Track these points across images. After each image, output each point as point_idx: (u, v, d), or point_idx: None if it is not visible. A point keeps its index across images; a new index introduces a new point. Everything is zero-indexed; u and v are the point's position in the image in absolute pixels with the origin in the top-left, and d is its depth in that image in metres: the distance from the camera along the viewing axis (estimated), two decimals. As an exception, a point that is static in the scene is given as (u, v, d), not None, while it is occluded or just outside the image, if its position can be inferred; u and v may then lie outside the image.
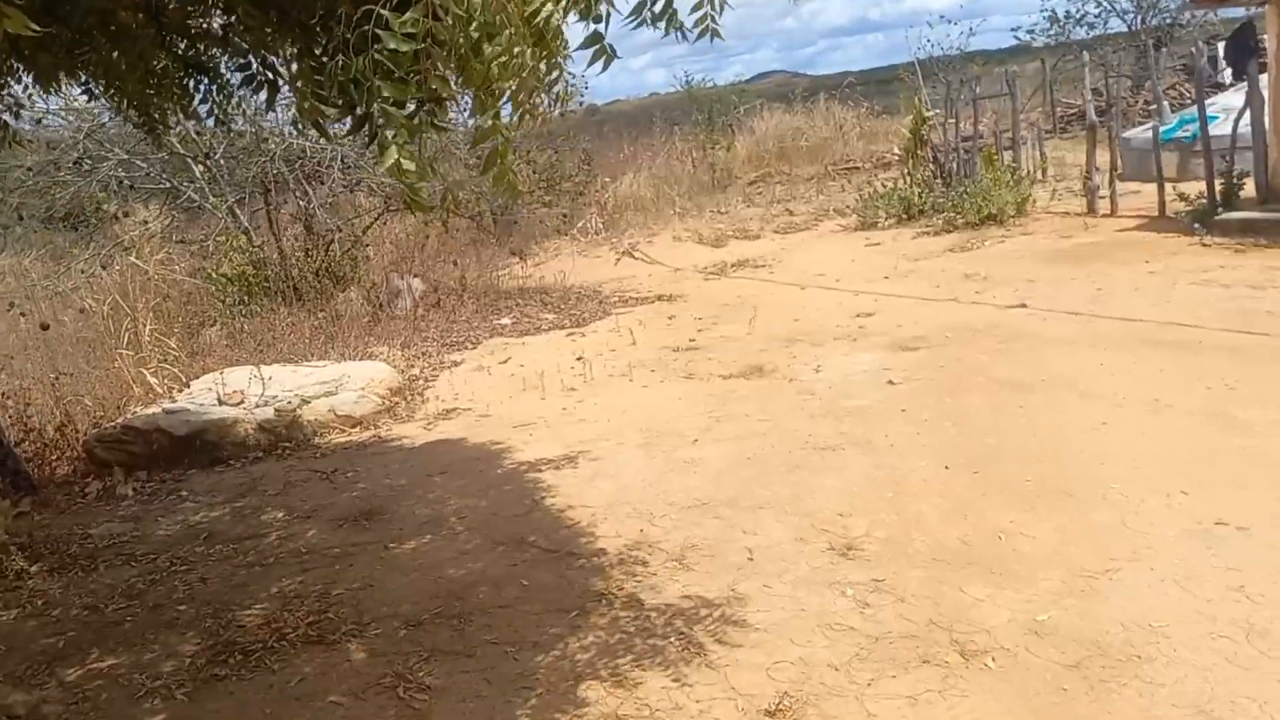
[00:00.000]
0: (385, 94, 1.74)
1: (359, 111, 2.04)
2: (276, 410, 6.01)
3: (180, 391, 6.42)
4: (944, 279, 8.59)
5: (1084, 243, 8.98)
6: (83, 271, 8.89)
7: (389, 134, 1.80)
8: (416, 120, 1.81)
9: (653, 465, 4.84)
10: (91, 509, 5.18)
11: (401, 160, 1.80)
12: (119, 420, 5.88)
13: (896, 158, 17.02)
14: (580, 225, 13.62)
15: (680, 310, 8.91)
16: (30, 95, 4.00)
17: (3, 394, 5.74)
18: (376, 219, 10.39)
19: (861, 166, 16.80)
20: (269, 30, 2.60)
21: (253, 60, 2.69)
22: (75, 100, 7.98)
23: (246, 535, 4.56)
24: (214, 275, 9.22)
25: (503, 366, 7.48)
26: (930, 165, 11.75)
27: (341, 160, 8.31)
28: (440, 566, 3.96)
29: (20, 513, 5.08)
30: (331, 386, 6.39)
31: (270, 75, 2.77)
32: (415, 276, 9.91)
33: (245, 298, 9.26)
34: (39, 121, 7.85)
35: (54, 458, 5.75)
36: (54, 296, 8.38)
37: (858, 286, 8.85)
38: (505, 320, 9.17)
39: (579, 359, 7.42)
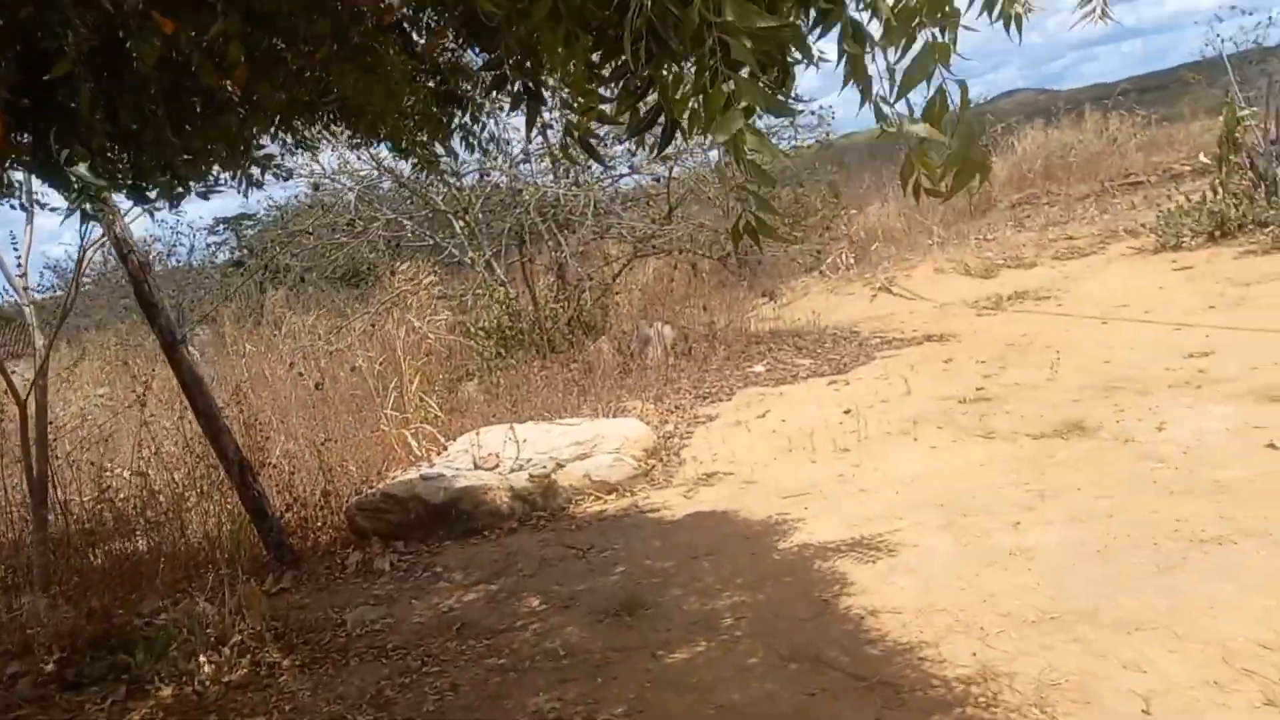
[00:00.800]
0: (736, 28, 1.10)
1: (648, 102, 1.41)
2: (531, 476, 5.54)
3: (439, 454, 6.13)
4: (1293, 306, 6.93)
5: None
6: (357, 330, 9.06)
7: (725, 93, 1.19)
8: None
9: (965, 556, 3.86)
10: (349, 585, 4.88)
11: (745, 131, 1.20)
12: (379, 487, 5.63)
13: (1190, 169, 14.81)
14: (829, 261, 12.67)
15: (956, 352, 7.77)
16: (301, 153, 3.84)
17: (273, 462, 5.64)
18: (626, 265, 10.00)
19: (1146, 180, 14.70)
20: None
21: (509, 73, 2.11)
22: (348, 163, 8.15)
23: (501, 627, 4.02)
24: (473, 329, 9.13)
25: (761, 421, 6.70)
26: (1248, 172, 9.83)
27: (595, 205, 7.92)
28: (720, 687, 3.20)
29: (281, 589, 4.86)
30: (586, 448, 5.87)
31: (532, 85, 2.17)
32: (665, 324, 9.39)
33: (501, 350, 9.09)
34: (316, 187, 8.04)
35: (318, 525, 5.57)
36: (331, 355, 8.57)
37: (1177, 319, 7.34)
38: (759, 368, 8.40)
39: (847, 412, 6.50)
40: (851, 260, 12.51)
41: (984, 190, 16.22)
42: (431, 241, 9.50)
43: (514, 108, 2.16)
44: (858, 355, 8.38)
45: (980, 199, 15.99)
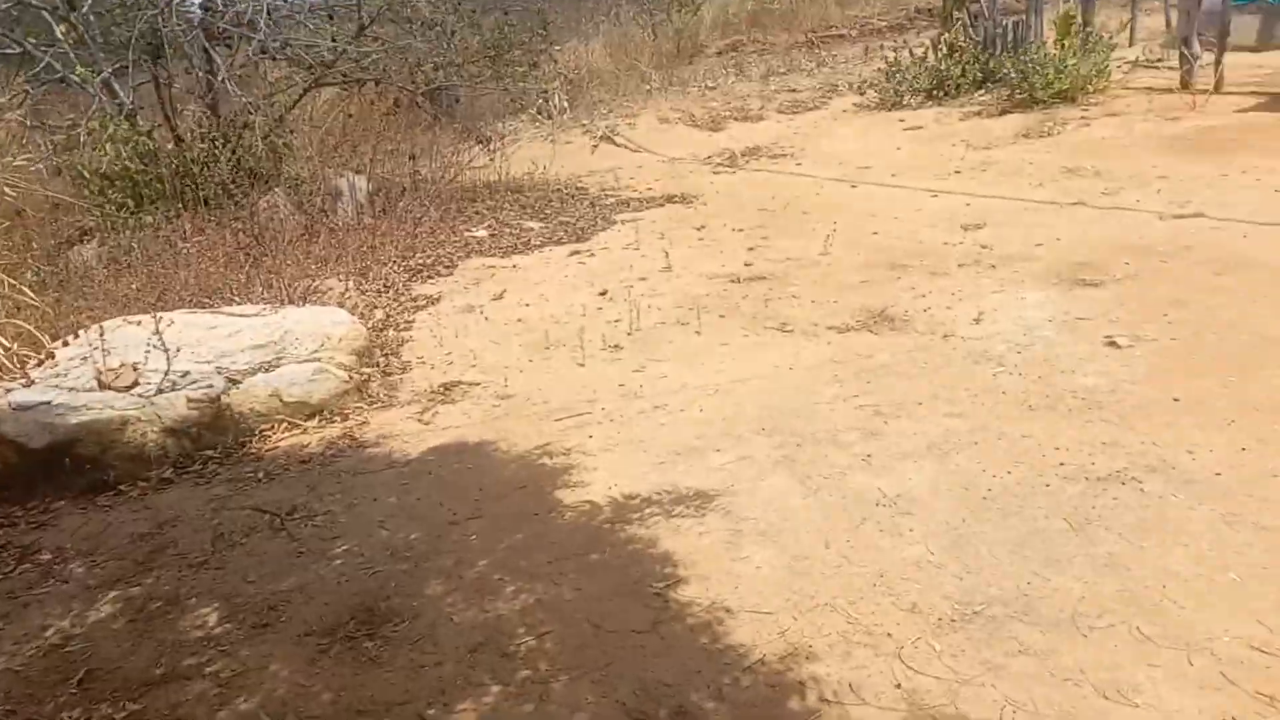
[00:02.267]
0: None
1: None
2: (190, 400, 3.88)
3: (39, 365, 4.20)
4: (1040, 174, 6.73)
5: (1204, 126, 7.19)
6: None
7: None
8: None
9: (822, 509, 2.95)
10: (-114, 597, 3.07)
11: None
12: (-64, 425, 3.67)
13: (886, 25, 14.93)
14: (539, 104, 11.23)
15: (707, 217, 6.88)
16: None
17: None
18: (305, 93, 7.91)
19: (847, 34, 14.62)
20: None
21: None
22: None
23: (155, 674, 2.55)
24: (87, 173, 6.74)
25: (499, 305, 5.41)
26: (970, 30, 9.70)
27: (268, 13, 5.85)
28: (540, 780, 2.06)
29: None
30: (270, 353, 4.27)
31: None
32: (356, 173, 7.59)
33: (132, 203, 6.84)
34: None
35: None
36: None
37: (927, 184, 6.94)
38: (480, 231, 7.00)
39: (602, 294, 5.40)
40: (565, 104, 11.17)
41: (690, 33, 15.41)
42: (19, 49, 6.80)
43: None
44: (594, 219, 7.24)
45: (687, 43, 15.18)
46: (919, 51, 10.18)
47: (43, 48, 6.88)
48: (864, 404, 3.61)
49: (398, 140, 8.52)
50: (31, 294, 4.53)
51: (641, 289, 5.41)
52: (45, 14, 6.77)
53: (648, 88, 11.87)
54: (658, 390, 4.02)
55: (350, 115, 9.61)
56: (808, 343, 4.31)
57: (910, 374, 3.83)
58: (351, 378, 4.30)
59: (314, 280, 5.59)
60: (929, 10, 15.29)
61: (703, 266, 5.71)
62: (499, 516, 3.15)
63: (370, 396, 4.25)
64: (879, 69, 10.74)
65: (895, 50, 11.06)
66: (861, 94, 10.19)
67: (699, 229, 6.58)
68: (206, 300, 5.43)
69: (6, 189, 5.00)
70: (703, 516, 3.00)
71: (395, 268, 6.10)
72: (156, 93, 7.12)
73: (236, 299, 5.39)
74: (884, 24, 14.93)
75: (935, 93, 9.63)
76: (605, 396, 4.02)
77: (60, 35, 6.69)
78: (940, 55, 9.89)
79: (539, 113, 11.15)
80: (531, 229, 7.04)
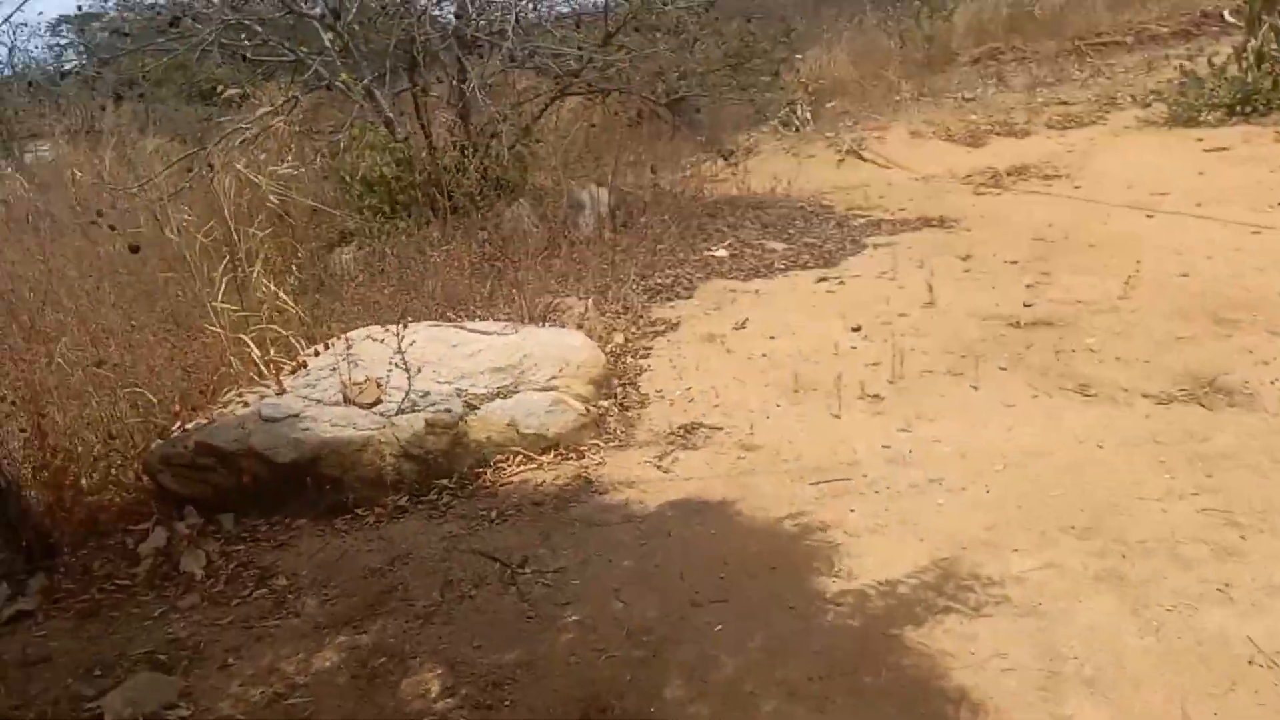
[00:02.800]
0: None
1: None
2: (429, 423, 3.70)
3: (293, 373, 4.18)
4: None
5: None
6: (192, 172, 6.71)
7: None
8: None
9: (1172, 657, 2.29)
10: (134, 605, 3.03)
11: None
12: (194, 431, 3.68)
13: (1168, 31, 13.26)
14: (782, 114, 10.71)
15: (972, 244, 6.13)
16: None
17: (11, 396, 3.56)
18: (551, 103, 7.82)
19: (1122, 41, 13.09)
20: None
21: None
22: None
23: (375, 755, 2.29)
24: (349, 179, 6.92)
25: (741, 335, 4.96)
26: (1290, 36, 8.26)
27: (517, 21, 5.73)
28: None
29: (18, 613, 2.98)
30: (510, 376, 4.04)
31: None
32: (599, 185, 7.40)
33: (387, 209, 6.95)
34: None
35: (98, 484, 3.61)
36: (160, 202, 6.28)
37: (1244, 216, 5.85)
38: (720, 251, 6.59)
39: (856, 329, 4.83)
40: (808, 115, 10.60)
41: (941, 40, 14.36)
42: (292, 57, 7.08)
43: None
44: (842, 240, 6.66)
45: (938, 51, 14.14)
46: (1218, 61, 8.80)
47: (312, 55, 7.13)
48: (1209, 506, 2.86)
49: (639, 151, 8.29)
50: (290, 301, 4.54)
51: (902, 326, 4.80)
52: (315, 23, 6.98)
53: (897, 98, 11.07)
54: (931, 457, 3.43)
55: (593, 125, 9.52)
56: (1118, 412, 3.57)
57: (1267, 469, 3.03)
58: (588, 410, 3.98)
59: (554, 297, 5.37)
60: (1219, 15, 13.46)
61: (973, 303, 5.01)
62: (748, 602, 2.70)
63: (607, 432, 3.92)
64: (1167, 80, 9.43)
65: (1186, 59, 9.69)
66: (1146, 107, 8.96)
67: (964, 258, 5.86)
68: (451, 312, 5.35)
69: (272, 196, 5.08)
70: (1005, 641, 2.40)
71: (634, 287, 5.80)
72: (413, 100, 7.22)
73: (479, 313, 5.27)
74: (1165, 30, 13.23)
75: (1241, 108, 8.28)
76: (867, 459, 3.47)
77: (328, 43, 6.89)
78: (1246, 65, 8.50)
79: (781, 124, 10.64)
80: (774, 250, 6.56)
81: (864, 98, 11.80)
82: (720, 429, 3.86)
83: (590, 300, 5.43)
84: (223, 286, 4.33)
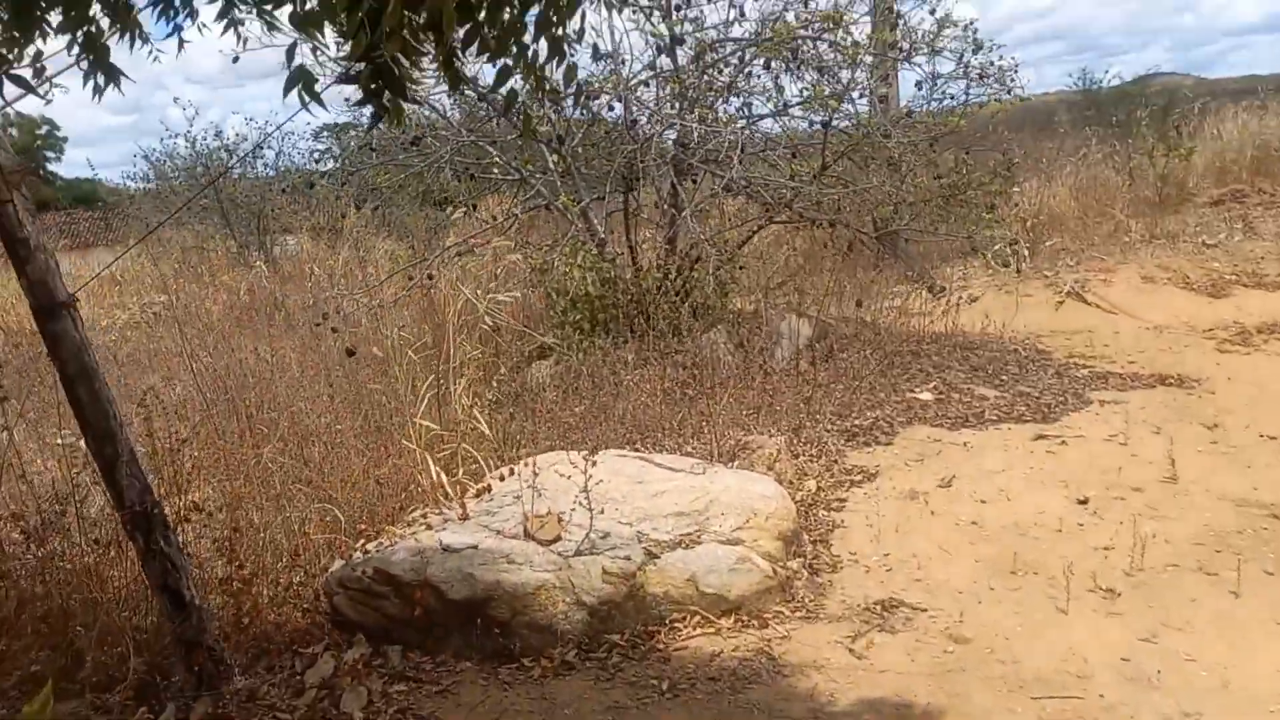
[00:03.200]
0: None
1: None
2: (607, 572, 3.48)
3: (478, 497, 4.11)
4: None
5: None
6: (413, 280, 7.05)
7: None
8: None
9: None
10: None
11: None
12: (377, 551, 3.64)
13: None
14: (997, 249, 10.15)
15: (1219, 412, 5.39)
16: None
17: (210, 507, 3.66)
18: (759, 230, 7.74)
19: (1393, 189, 11.67)
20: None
21: None
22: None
23: None
24: (555, 295, 7.05)
25: (948, 495, 4.50)
26: None
27: (741, 149, 5.68)
28: None
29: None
30: (692, 523, 3.78)
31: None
32: (799, 314, 7.17)
33: (587, 326, 7.00)
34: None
35: (278, 601, 3.61)
36: (380, 306, 6.63)
37: None
38: (925, 394, 6.14)
39: (1083, 503, 4.26)
40: (1025, 252, 9.99)
41: (1177, 179, 13.36)
42: (517, 175, 7.38)
43: None
44: (1062, 392, 6.06)
45: (1173, 190, 13.14)
46: None
47: (536, 174, 7.40)
48: None
49: (842, 281, 8.02)
50: (484, 420, 4.52)
51: (1137, 504, 4.19)
52: (542, 146, 7.23)
53: (1125, 239, 10.27)
54: (1184, 683, 2.85)
55: (796, 250, 9.37)
56: None
57: None
58: (776, 571, 3.65)
59: (745, 433, 5.11)
60: None
61: (1225, 484, 4.33)
62: None
63: (794, 599, 3.56)
64: None
65: None
66: None
67: (1210, 427, 5.14)
68: (640, 439, 5.20)
69: (486, 317, 5.17)
70: None
71: (830, 427, 5.46)
72: (624, 221, 7.32)
73: (667, 443, 5.09)
74: None
75: None
76: (1102, 674, 2.93)
77: (552, 165, 7.12)
78: None
79: (995, 259, 10.08)
80: (985, 397, 6.04)
81: (1086, 236, 11.04)
82: (924, 610, 3.42)
83: (782, 438, 5.13)
84: (425, 400, 4.35)
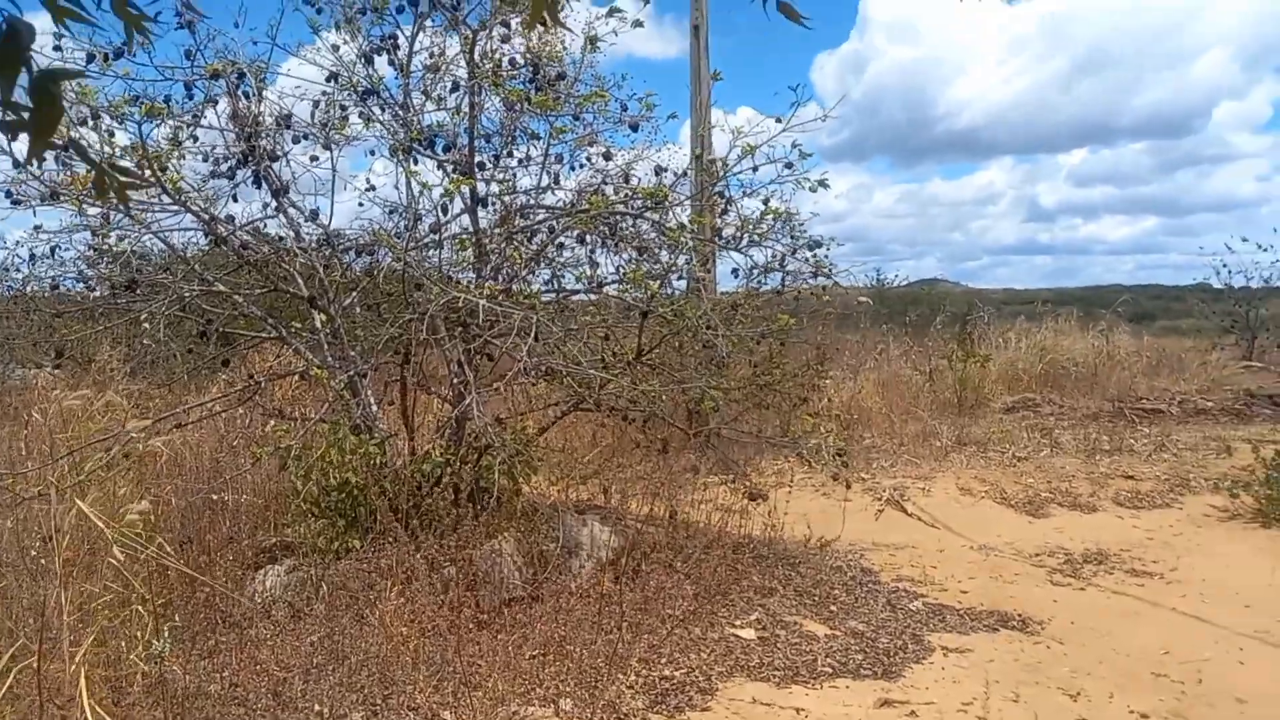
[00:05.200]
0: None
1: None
2: None
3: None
4: None
5: None
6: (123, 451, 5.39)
7: None
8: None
9: None
10: None
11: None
12: None
13: (1215, 406, 12.52)
14: (812, 444, 9.60)
15: (1074, 672, 4.65)
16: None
17: None
18: (562, 417, 6.68)
19: (1166, 411, 12.29)
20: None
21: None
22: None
23: None
24: (299, 482, 5.60)
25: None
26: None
27: (536, 328, 4.69)
28: None
29: None
30: None
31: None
32: (599, 520, 6.06)
33: (342, 523, 5.57)
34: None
35: None
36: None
37: None
38: (746, 631, 5.10)
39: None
40: (840, 449, 9.48)
41: (975, 385, 13.68)
42: (274, 332, 6.03)
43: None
44: (899, 632, 5.19)
45: (970, 394, 13.39)
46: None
47: (304, 333, 6.09)
48: None
49: (654, 480, 7.04)
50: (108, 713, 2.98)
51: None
52: (307, 302, 5.98)
53: (938, 444, 10.02)
54: None
55: (600, 443, 8.37)
56: None
57: None
58: None
59: (523, 702, 3.82)
60: (1271, 398, 12.79)
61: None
62: None
63: None
64: (1243, 467, 8.37)
65: (1249, 443, 8.69)
66: (1234, 497, 7.77)
67: (1073, 696, 4.35)
68: (380, 703, 3.80)
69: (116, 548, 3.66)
70: None
71: (635, 681, 4.26)
72: (401, 397, 6.09)
73: (419, 714, 3.71)
74: (1211, 404, 12.51)
75: (1348, 511, 7.09)
76: None
77: (319, 324, 5.86)
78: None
79: (808, 455, 9.51)
80: (815, 637, 5.07)
81: (895, 435, 10.79)
82: None
83: (570, 704, 3.87)
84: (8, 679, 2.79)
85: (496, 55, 5.82)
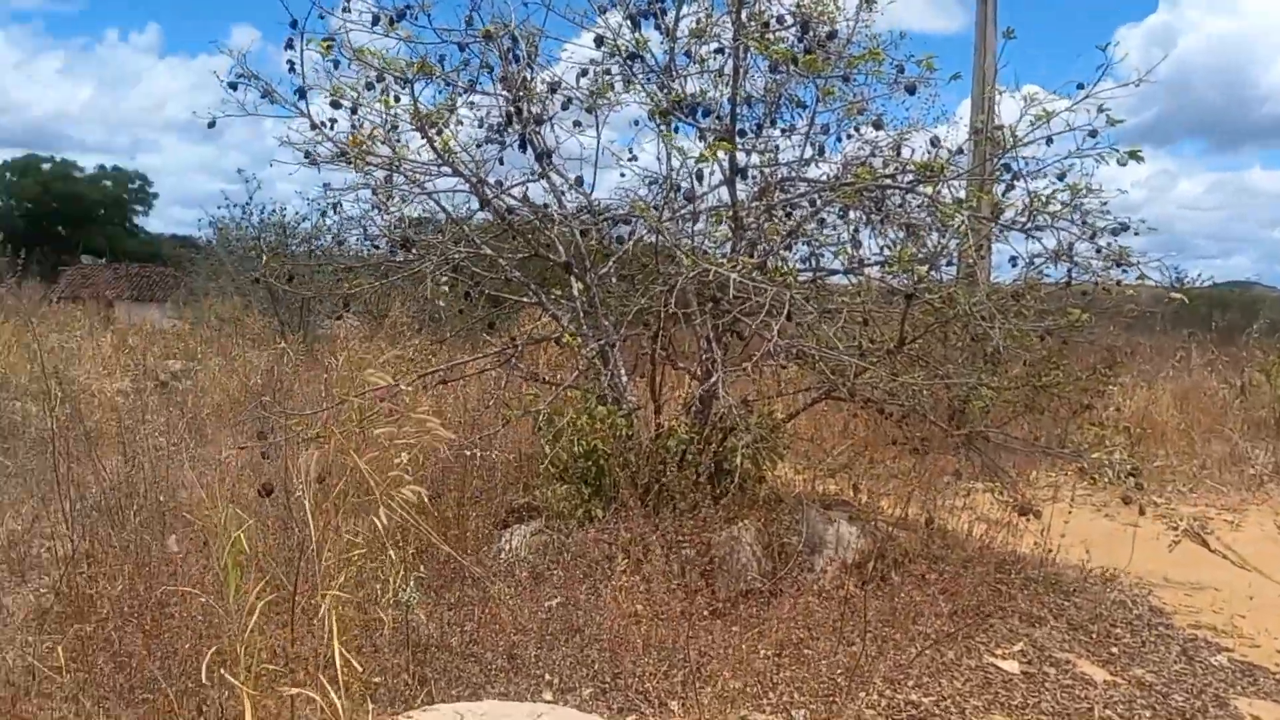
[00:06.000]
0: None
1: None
2: None
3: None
4: None
5: None
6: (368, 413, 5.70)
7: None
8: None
9: None
10: None
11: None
12: None
13: None
14: (1095, 456, 8.54)
15: None
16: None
17: None
18: (809, 405, 6.33)
19: None
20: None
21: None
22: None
23: None
24: (547, 446, 5.65)
25: None
26: None
27: (788, 313, 4.41)
28: None
29: None
30: None
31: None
32: (847, 516, 5.65)
33: (587, 490, 5.58)
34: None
35: None
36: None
37: None
38: (1008, 662, 4.52)
39: None
40: (1132, 468, 8.36)
41: (1299, 400, 11.67)
42: (534, 299, 6.14)
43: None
44: (1197, 691, 4.40)
45: (1292, 411, 11.43)
46: None
47: (562, 300, 6.16)
48: None
49: (909, 480, 6.50)
50: (354, 658, 3.05)
51: None
52: (563, 268, 6.00)
53: (1250, 470, 8.60)
54: None
55: (853, 434, 7.87)
56: None
57: None
58: None
59: (751, 710, 3.56)
60: None
61: None
62: None
63: None
64: None
65: None
66: None
67: None
68: (609, 683, 3.69)
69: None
70: None
71: (875, 701, 3.88)
72: (650, 370, 5.99)
73: (646, 701, 3.57)
74: None
75: None
76: None
77: (576, 293, 5.88)
78: None
79: (1089, 469, 8.47)
80: (1091, 681, 4.40)
81: (1195, 456, 9.40)
82: None
83: (803, 718, 3.56)
84: (255, 607, 2.89)
85: (764, 14, 5.51)
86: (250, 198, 18.90)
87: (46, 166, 49.99)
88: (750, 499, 5.71)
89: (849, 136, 6.21)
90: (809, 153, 6.05)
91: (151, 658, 3.33)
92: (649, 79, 5.47)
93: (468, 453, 5.81)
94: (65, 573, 4.29)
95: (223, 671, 2.83)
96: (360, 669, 2.95)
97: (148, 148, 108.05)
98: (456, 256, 5.36)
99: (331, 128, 4.72)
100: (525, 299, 6.31)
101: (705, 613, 4.44)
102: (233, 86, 4.98)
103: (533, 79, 5.06)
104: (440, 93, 5.04)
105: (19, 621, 4.23)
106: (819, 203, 6.04)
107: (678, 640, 4.02)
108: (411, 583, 3.38)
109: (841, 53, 5.46)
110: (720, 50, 5.45)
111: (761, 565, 5.06)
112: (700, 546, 5.14)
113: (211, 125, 5.14)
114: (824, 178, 6.12)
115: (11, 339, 12.23)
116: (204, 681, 2.67)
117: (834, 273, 6.53)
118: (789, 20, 5.36)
